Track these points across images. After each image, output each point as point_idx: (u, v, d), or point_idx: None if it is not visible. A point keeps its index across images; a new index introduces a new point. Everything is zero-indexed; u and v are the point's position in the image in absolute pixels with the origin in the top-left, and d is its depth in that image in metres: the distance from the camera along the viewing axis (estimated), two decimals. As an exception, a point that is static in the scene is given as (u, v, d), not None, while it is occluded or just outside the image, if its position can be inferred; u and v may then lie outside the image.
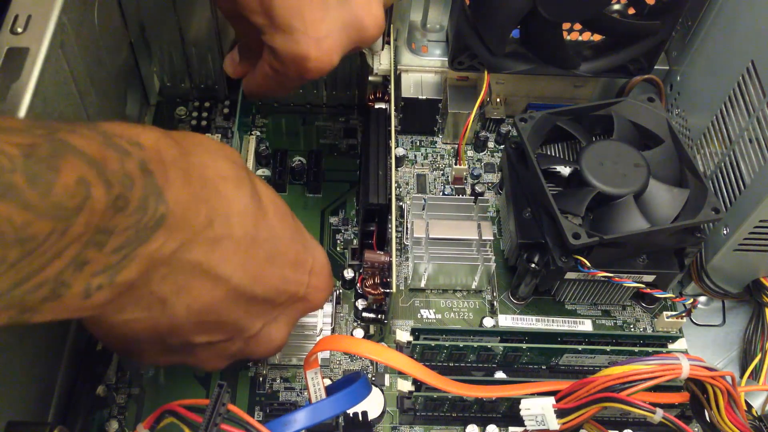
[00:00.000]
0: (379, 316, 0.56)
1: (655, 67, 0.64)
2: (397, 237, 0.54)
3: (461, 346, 0.52)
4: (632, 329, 0.60)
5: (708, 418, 0.45)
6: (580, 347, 0.52)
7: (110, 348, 0.47)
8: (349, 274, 0.60)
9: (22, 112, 0.40)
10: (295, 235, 0.41)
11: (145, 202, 0.31)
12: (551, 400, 0.45)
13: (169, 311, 0.36)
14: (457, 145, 0.69)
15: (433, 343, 0.52)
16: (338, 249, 0.63)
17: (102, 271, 0.31)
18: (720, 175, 0.57)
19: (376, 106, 0.61)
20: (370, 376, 0.56)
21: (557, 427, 0.45)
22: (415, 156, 0.69)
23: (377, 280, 0.55)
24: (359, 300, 0.58)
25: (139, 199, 0.31)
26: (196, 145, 0.37)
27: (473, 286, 0.60)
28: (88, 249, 0.29)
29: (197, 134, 0.39)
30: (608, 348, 0.52)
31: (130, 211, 0.30)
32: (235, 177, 0.37)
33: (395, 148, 0.59)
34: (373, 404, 0.53)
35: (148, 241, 0.32)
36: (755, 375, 0.56)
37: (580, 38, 0.66)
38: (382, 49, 0.64)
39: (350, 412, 0.51)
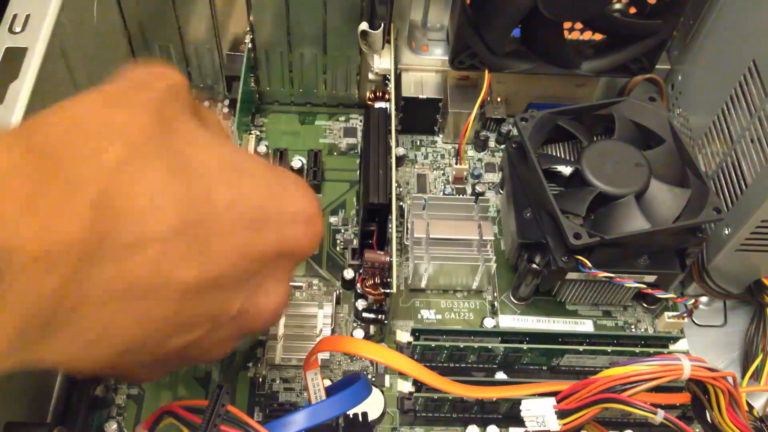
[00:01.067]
0: (379, 317, 0.56)
1: (657, 66, 0.64)
2: (397, 237, 0.54)
3: (462, 346, 0.52)
4: (633, 330, 0.60)
5: (709, 419, 0.45)
6: (581, 348, 0.52)
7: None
8: (349, 274, 0.59)
9: (21, 111, 0.40)
10: (243, 193, 0.33)
11: None
12: (552, 400, 0.45)
13: (113, 347, 0.30)
14: (457, 145, 0.69)
15: (433, 344, 0.51)
16: (338, 249, 0.63)
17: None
18: (722, 174, 0.57)
19: (377, 106, 0.61)
20: (370, 376, 0.56)
21: (558, 427, 0.45)
22: (416, 155, 0.69)
23: (377, 281, 0.55)
24: (359, 300, 0.58)
25: None
26: (64, 144, 0.27)
27: (474, 287, 0.60)
28: None
29: (74, 115, 0.29)
30: (609, 349, 0.52)
31: None
32: (135, 156, 0.28)
33: (395, 147, 0.58)
34: (373, 405, 0.53)
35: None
36: (757, 376, 0.56)
37: (581, 37, 0.66)
38: (383, 48, 0.64)
39: (350, 413, 0.51)
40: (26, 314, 0.26)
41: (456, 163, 0.68)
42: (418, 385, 0.50)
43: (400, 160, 0.68)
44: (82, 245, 0.26)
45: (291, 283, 0.59)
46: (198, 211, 0.30)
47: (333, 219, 0.65)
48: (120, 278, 0.28)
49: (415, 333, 0.52)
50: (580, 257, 0.52)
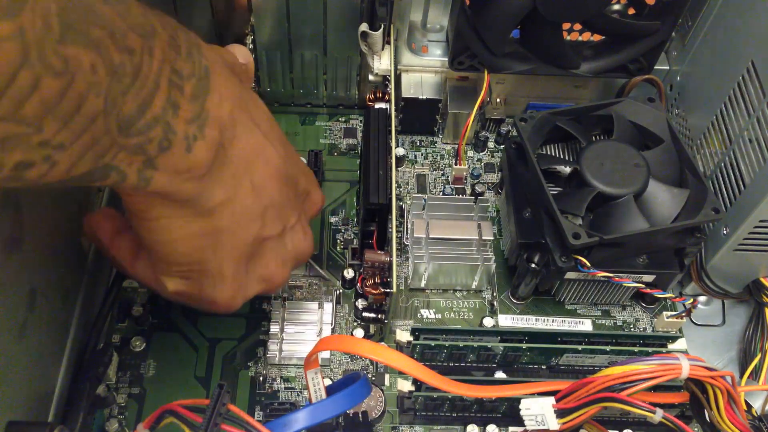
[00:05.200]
0: (379, 316, 0.56)
1: (655, 67, 0.64)
2: (397, 237, 0.54)
3: (461, 345, 0.52)
4: (632, 329, 0.60)
5: (708, 418, 0.45)
6: (580, 347, 0.52)
7: (188, 285, 0.43)
8: (349, 274, 0.60)
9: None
10: (292, 151, 0.45)
11: (190, 50, 0.34)
12: (551, 400, 0.45)
13: (242, 192, 0.39)
14: (457, 145, 0.69)
15: (433, 343, 0.52)
16: (338, 249, 0.63)
17: (192, 119, 0.33)
18: (720, 175, 0.57)
19: (376, 106, 0.61)
20: (370, 376, 0.56)
21: (557, 427, 0.45)
22: (415, 156, 0.70)
23: (377, 280, 0.55)
24: (359, 300, 0.58)
25: (186, 44, 0.34)
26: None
27: (473, 286, 0.60)
28: (173, 89, 0.32)
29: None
30: (608, 348, 0.52)
31: (183, 56, 0.33)
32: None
33: (395, 148, 0.59)
34: (373, 404, 0.53)
35: (209, 94, 0.35)
36: (755, 375, 0.56)
37: (580, 38, 0.66)
38: (382, 49, 0.64)
39: (350, 412, 0.51)
40: (215, 126, 0.36)
41: (455, 164, 0.68)
42: (418, 384, 0.50)
43: (400, 161, 0.68)
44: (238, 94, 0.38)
45: (291, 283, 0.60)
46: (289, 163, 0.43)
47: (333, 219, 0.65)
48: (249, 122, 0.39)
49: (415, 332, 0.52)
50: (579, 257, 0.52)
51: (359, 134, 0.70)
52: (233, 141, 0.37)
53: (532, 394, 0.47)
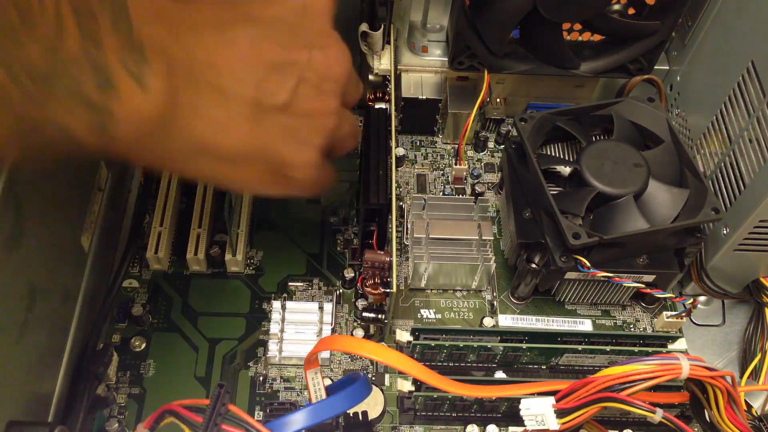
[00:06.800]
0: (379, 316, 0.56)
1: (655, 67, 0.64)
2: (397, 237, 0.54)
3: (461, 345, 0.52)
4: (632, 329, 0.60)
5: (708, 418, 0.45)
6: (580, 347, 0.52)
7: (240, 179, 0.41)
8: (349, 274, 0.60)
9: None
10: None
11: None
12: (551, 400, 0.45)
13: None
14: (457, 145, 0.69)
15: (433, 343, 0.52)
16: (338, 249, 0.63)
17: (124, 51, 0.30)
18: (720, 175, 0.57)
19: (376, 106, 0.61)
20: (370, 376, 0.56)
21: (557, 427, 0.45)
22: (415, 156, 0.70)
23: (377, 280, 0.55)
24: (359, 300, 0.58)
25: None
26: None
27: (473, 286, 0.60)
28: (83, 17, 0.28)
29: None
30: (608, 348, 0.52)
31: None
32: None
33: (395, 148, 0.59)
34: (373, 404, 0.53)
35: (130, 15, 0.30)
36: (755, 375, 0.56)
37: (580, 38, 0.66)
38: (382, 49, 0.64)
39: (350, 412, 0.51)
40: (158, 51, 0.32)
41: (455, 164, 0.68)
42: (418, 384, 0.50)
43: (400, 161, 0.68)
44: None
45: (290, 283, 0.60)
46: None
47: (333, 219, 0.65)
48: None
49: (415, 332, 0.52)
50: (578, 257, 0.52)
51: (359, 134, 0.70)
52: (182, 55, 0.33)
53: (532, 394, 0.47)
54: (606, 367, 0.44)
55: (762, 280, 0.58)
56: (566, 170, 0.55)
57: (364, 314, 0.57)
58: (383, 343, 0.57)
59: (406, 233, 0.62)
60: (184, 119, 0.33)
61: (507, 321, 0.59)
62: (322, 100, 0.38)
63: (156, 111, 0.32)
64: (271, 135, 0.37)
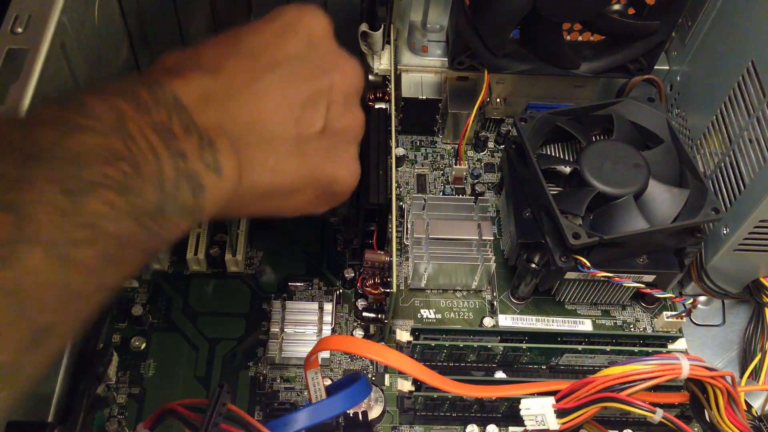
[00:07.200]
0: (379, 316, 0.56)
1: (655, 67, 0.64)
2: (397, 237, 0.54)
3: (461, 345, 0.52)
4: (632, 329, 0.60)
5: (708, 418, 0.45)
6: (580, 347, 0.52)
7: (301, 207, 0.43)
8: (349, 274, 0.60)
9: (22, 113, 0.40)
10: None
11: (151, 89, 0.32)
12: (551, 400, 0.45)
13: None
14: (457, 145, 0.69)
15: (433, 343, 0.52)
16: (338, 249, 0.63)
17: (201, 150, 0.32)
18: (720, 175, 0.57)
19: (376, 106, 0.61)
20: (370, 376, 0.56)
21: (557, 427, 0.45)
22: (415, 156, 0.69)
23: (377, 280, 0.55)
24: (359, 300, 0.58)
25: (145, 88, 0.31)
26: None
27: (473, 286, 0.60)
28: (165, 136, 0.30)
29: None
30: (608, 348, 0.52)
31: (152, 105, 0.31)
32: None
33: (395, 148, 0.59)
34: (373, 404, 0.53)
35: (189, 113, 0.32)
36: (755, 375, 0.56)
37: (580, 38, 0.66)
38: (382, 49, 0.64)
39: (350, 411, 0.51)
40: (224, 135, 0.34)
41: (455, 164, 0.68)
42: (418, 384, 0.50)
43: (400, 161, 0.68)
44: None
45: (290, 283, 0.60)
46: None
47: (333, 219, 0.65)
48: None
49: (415, 332, 0.52)
50: (578, 257, 0.52)
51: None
52: (235, 124, 0.35)
53: (532, 394, 0.47)
54: (606, 367, 0.44)
55: (762, 280, 0.58)
56: (566, 170, 0.55)
57: (364, 314, 0.57)
58: (383, 343, 0.57)
59: (406, 233, 0.62)
60: (246, 177, 0.35)
61: (507, 321, 0.59)
62: (350, 113, 0.42)
63: (232, 187, 0.34)
64: (316, 160, 0.39)
